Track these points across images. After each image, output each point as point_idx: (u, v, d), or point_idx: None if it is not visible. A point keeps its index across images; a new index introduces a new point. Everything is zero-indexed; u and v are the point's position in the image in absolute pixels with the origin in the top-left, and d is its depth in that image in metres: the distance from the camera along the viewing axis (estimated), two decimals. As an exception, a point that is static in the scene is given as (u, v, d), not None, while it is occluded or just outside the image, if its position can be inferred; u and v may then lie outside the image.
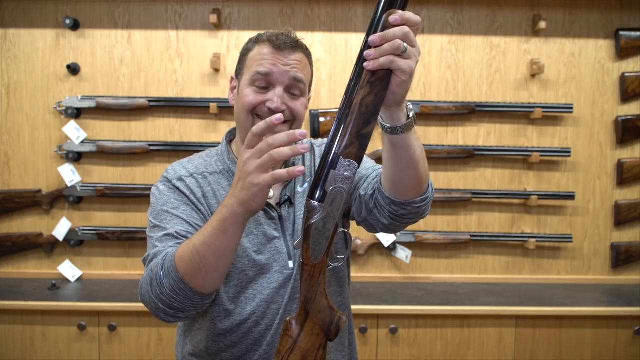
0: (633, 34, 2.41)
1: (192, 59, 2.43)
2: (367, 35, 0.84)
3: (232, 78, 1.19)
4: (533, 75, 2.44)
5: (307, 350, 0.91)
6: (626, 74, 2.43)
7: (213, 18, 2.33)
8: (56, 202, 2.44)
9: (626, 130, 2.44)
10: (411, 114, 0.92)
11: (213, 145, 2.38)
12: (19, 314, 2.10)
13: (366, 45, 0.84)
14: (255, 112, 1.09)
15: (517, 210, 2.49)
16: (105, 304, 2.10)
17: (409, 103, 0.91)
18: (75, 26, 2.39)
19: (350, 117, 0.85)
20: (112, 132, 2.44)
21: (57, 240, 2.41)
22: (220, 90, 2.44)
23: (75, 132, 2.37)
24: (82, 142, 2.39)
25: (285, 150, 0.85)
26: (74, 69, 2.39)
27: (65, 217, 2.42)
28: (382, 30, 0.82)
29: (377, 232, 1.13)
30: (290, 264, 1.12)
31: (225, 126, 2.44)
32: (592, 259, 2.51)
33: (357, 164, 0.86)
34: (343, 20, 2.44)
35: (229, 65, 2.43)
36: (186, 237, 1.04)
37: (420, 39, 2.44)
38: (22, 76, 2.43)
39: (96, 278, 2.44)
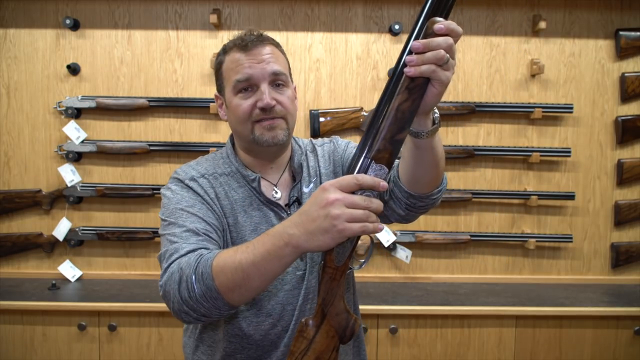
0: (633, 34, 2.41)
1: (192, 59, 2.43)
2: (408, 40, 0.83)
3: (216, 96, 1.19)
4: (533, 75, 2.44)
5: (321, 352, 0.91)
6: (626, 74, 2.43)
7: (213, 18, 2.33)
8: (56, 202, 2.44)
9: (626, 130, 2.44)
10: (437, 120, 0.92)
11: (213, 145, 2.38)
12: (19, 314, 2.10)
13: (407, 50, 0.83)
14: (252, 119, 1.09)
15: (517, 210, 2.49)
16: (105, 304, 2.09)
17: (435, 108, 0.92)
18: (75, 26, 2.39)
19: (385, 122, 0.85)
20: (112, 132, 2.44)
21: (57, 240, 2.40)
22: (220, 90, 2.43)
23: (75, 132, 2.37)
24: (82, 142, 2.39)
25: (374, 218, 0.83)
26: (74, 69, 2.39)
27: (65, 217, 2.42)
28: (425, 37, 0.82)
29: (391, 222, 1.14)
30: (302, 265, 1.12)
31: (225, 126, 2.44)
32: (592, 259, 2.51)
33: (387, 169, 0.86)
34: (343, 20, 2.44)
35: (229, 65, 2.43)
36: (206, 235, 1.02)
37: (420, 39, 2.44)
38: (22, 76, 2.43)
39: (96, 278, 2.44)
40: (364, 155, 0.86)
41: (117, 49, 2.43)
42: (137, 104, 2.38)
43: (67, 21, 2.35)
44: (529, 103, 2.42)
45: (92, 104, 2.38)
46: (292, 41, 2.43)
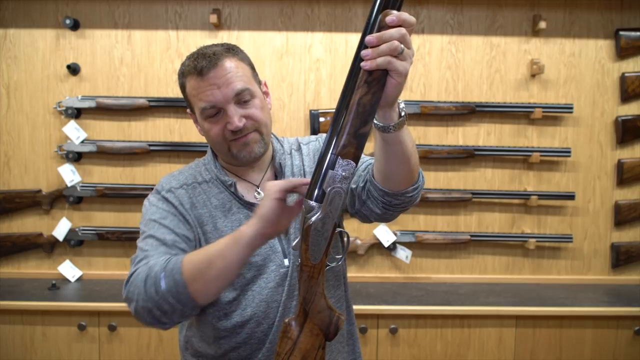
0: (633, 34, 2.41)
1: (192, 59, 2.43)
2: (363, 35, 0.84)
3: (189, 113, 1.21)
4: (533, 75, 2.44)
5: (306, 351, 0.91)
6: (626, 74, 2.43)
7: (213, 18, 2.33)
8: (56, 202, 2.44)
9: (626, 130, 2.44)
10: (403, 112, 0.92)
11: (213, 145, 2.38)
12: (19, 314, 2.10)
13: (362, 45, 0.84)
14: (226, 140, 1.11)
15: (517, 210, 2.49)
16: (105, 304, 2.09)
17: (400, 101, 0.92)
18: (75, 26, 2.39)
19: (348, 117, 0.85)
20: (112, 132, 2.44)
21: (57, 240, 2.41)
22: (220, 90, 2.43)
23: (75, 132, 2.37)
24: (82, 142, 2.39)
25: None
26: (74, 69, 2.39)
27: (65, 217, 2.42)
28: (378, 31, 0.83)
29: (371, 221, 1.14)
30: (286, 261, 1.14)
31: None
32: (592, 259, 2.51)
33: (354, 164, 0.86)
34: (343, 20, 2.44)
35: (229, 65, 2.43)
36: (175, 246, 1.06)
37: (420, 39, 2.44)
38: (22, 76, 2.43)
39: (96, 278, 2.44)
40: (330, 151, 0.86)
41: (117, 49, 2.43)
42: (137, 104, 2.38)
43: (67, 21, 2.35)
44: (529, 103, 2.42)
45: (92, 104, 2.38)
46: (292, 41, 2.43)
